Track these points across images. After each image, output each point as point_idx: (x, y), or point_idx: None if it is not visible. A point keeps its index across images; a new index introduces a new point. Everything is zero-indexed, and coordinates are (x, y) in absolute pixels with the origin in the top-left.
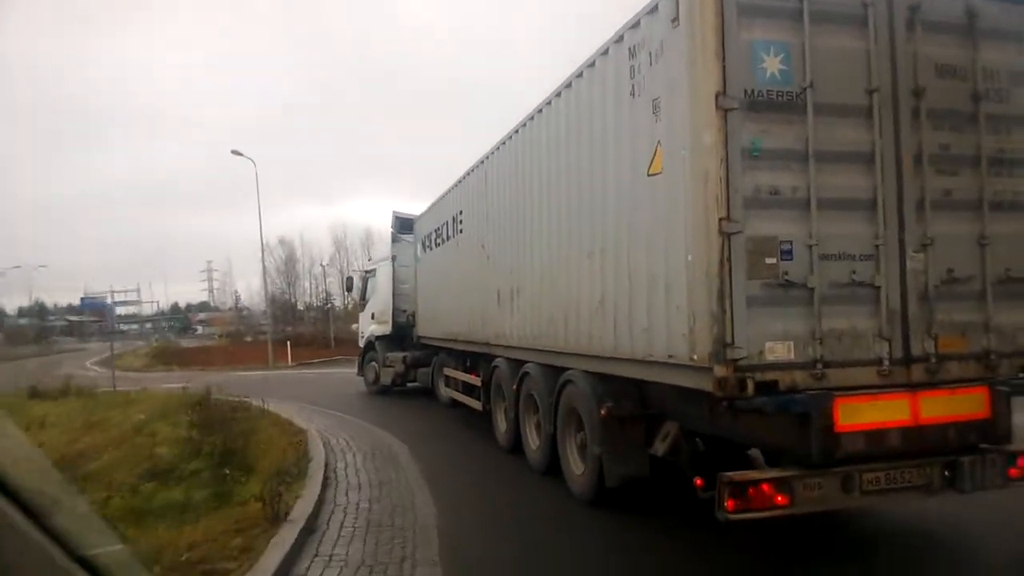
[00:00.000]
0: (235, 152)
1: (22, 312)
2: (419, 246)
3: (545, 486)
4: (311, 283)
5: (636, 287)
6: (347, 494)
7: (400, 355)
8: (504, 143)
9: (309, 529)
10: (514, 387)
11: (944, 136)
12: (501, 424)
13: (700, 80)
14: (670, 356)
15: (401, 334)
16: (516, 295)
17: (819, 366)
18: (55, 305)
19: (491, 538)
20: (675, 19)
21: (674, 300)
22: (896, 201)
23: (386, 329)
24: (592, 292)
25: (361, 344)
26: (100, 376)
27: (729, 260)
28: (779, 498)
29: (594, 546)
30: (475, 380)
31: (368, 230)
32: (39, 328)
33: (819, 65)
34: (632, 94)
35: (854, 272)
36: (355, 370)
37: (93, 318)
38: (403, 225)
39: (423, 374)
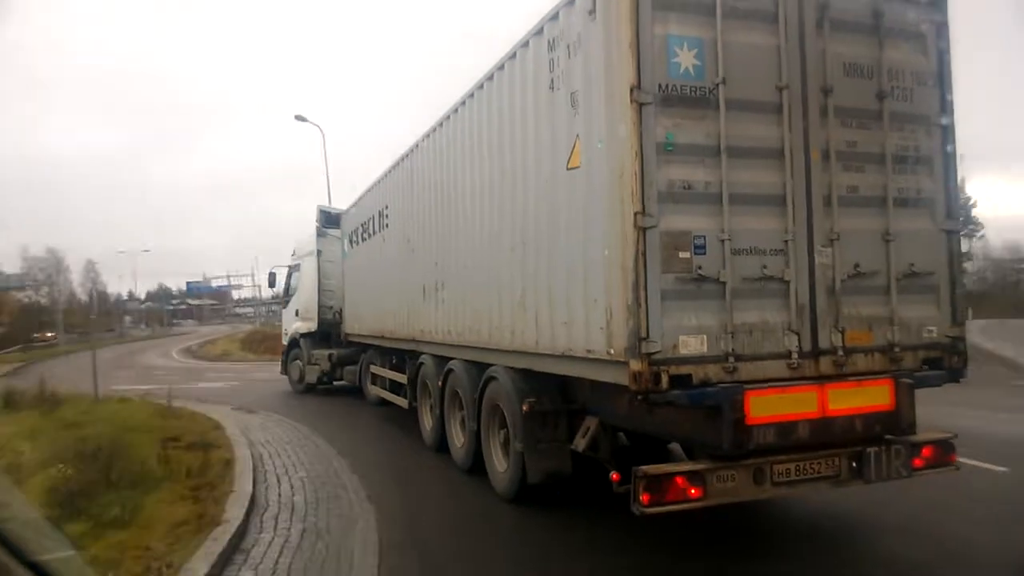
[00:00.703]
0: (299, 118)
1: (149, 296)
2: (346, 241)
3: (469, 484)
4: None
5: (556, 281)
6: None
7: (326, 352)
8: (428, 136)
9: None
10: (439, 384)
11: (851, 133)
12: (427, 422)
13: (615, 73)
14: (588, 351)
15: (327, 331)
16: (440, 290)
17: (731, 359)
18: (178, 289)
19: (409, 542)
20: (592, 11)
21: (592, 294)
22: (805, 197)
23: (311, 326)
24: (513, 286)
25: (285, 342)
26: (164, 368)
27: (644, 254)
28: (692, 491)
29: (513, 547)
30: (402, 378)
31: None
32: (158, 311)
33: (731, 61)
34: (552, 87)
35: (764, 266)
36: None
37: (211, 301)
38: (328, 219)
39: (350, 372)
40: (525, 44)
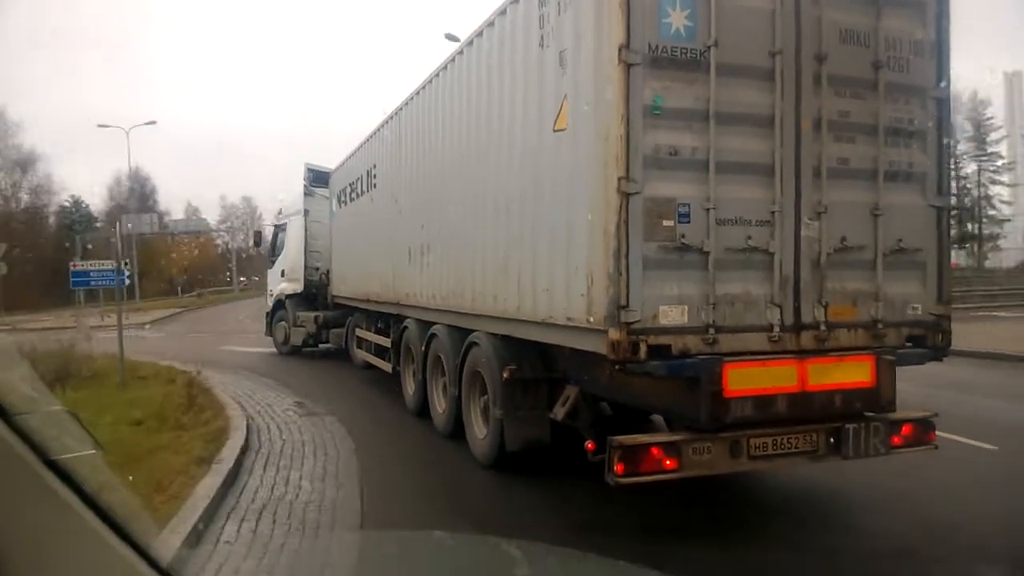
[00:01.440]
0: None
1: None
2: (334, 201)
3: (449, 449)
4: None
5: (539, 246)
6: None
7: (312, 315)
8: (418, 93)
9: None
10: (422, 349)
11: (844, 103)
12: (409, 387)
13: (605, 32)
14: (568, 318)
15: (313, 293)
16: (427, 252)
17: (711, 331)
18: None
19: (383, 508)
20: None
21: (574, 260)
22: (794, 167)
23: (297, 287)
24: (497, 250)
25: (269, 303)
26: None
27: (627, 221)
28: (668, 462)
29: (488, 513)
30: (387, 342)
31: None
32: None
33: (724, 23)
34: (541, 45)
35: (749, 237)
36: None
37: None
38: (316, 178)
39: (336, 335)
40: (516, 0)
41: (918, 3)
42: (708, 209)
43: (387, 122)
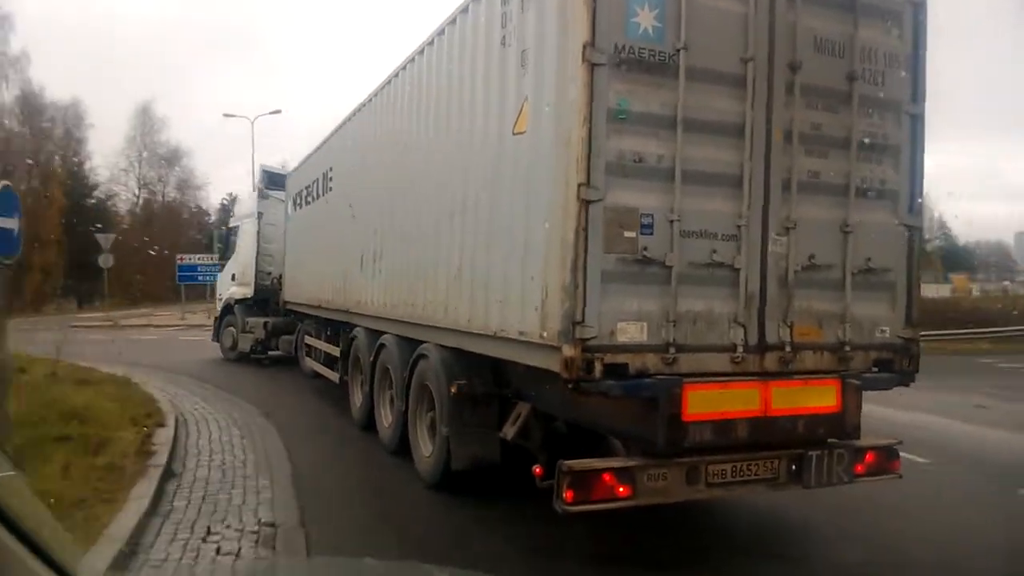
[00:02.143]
0: None
1: None
2: (290, 204)
3: (392, 465)
4: None
5: (494, 256)
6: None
7: (261, 320)
8: (376, 94)
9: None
10: (371, 359)
11: (817, 115)
12: (357, 398)
13: (568, 30)
14: (521, 332)
15: (264, 298)
16: (379, 259)
17: (672, 350)
18: None
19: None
20: None
21: (529, 271)
22: (763, 180)
23: (247, 292)
24: (451, 259)
25: (218, 308)
26: None
27: (586, 230)
28: (621, 489)
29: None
30: (336, 351)
31: None
32: None
33: (695, 26)
34: (503, 44)
35: (714, 251)
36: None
37: None
38: (272, 180)
39: (286, 342)
40: None
41: (896, 14)
42: (672, 221)
43: (345, 123)
